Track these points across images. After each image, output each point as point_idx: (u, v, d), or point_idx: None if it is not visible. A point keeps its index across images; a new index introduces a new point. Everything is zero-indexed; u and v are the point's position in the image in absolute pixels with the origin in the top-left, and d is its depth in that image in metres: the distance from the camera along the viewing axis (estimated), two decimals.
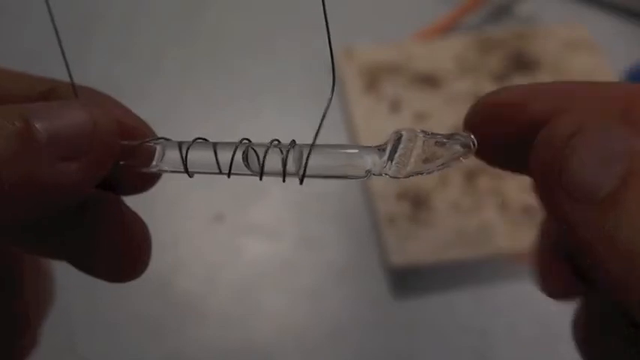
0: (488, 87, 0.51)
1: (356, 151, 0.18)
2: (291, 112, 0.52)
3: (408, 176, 0.17)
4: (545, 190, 0.18)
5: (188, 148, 0.18)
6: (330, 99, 0.18)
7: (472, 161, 0.47)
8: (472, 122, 0.19)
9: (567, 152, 0.16)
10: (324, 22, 0.16)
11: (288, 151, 0.18)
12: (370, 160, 0.18)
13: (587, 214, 0.16)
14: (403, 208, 0.44)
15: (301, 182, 0.18)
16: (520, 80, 0.52)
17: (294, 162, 0.18)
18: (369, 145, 0.18)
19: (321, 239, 0.46)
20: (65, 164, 0.16)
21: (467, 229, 0.43)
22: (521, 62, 0.53)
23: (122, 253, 0.19)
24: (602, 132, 0.16)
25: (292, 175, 0.18)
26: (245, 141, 0.18)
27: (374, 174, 0.18)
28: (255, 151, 0.18)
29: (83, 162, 0.16)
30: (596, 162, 0.16)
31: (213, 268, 0.45)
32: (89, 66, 0.55)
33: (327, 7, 0.16)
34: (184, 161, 0.18)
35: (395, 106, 0.50)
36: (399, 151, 0.17)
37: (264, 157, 0.18)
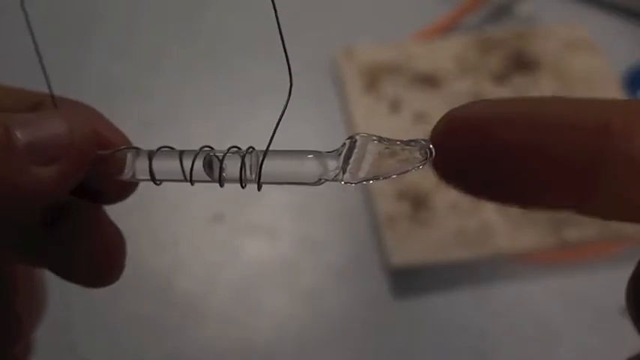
0: (488, 87, 0.51)
1: (310, 156, 0.18)
2: (290, 112, 0.52)
3: (360, 182, 0.17)
4: None
5: (151, 158, 0.19)
6: (287, 101, 0.18)
7: None
8: (436, 134, 0.18)
9: None
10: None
11: (244, 157, 0.18)
12: (323, 166, 0.18)
13: None
14: (403, 208, 0.44)
15: (259, 189, 0.18)
16: (520, 80, 0.52)
17: (252, 168, 0.18)
18: (325, 150, 0.18)
19: (321, 239, 0.46)
20: (41, 169, 0.17)
21: (467, 229, 0.43)
22: (521, 62, 0.53)
23: (100, 259, 0.20)
24: None
25: (250, 181, 0.18)
26: (206, 148, 0.19)
27: (327, 180, 0.18)
28: (217, 158, 0.18)
29: (58, 168, 0.18)
30: None
31: (213, 268, 0.45)
32: (89, 66, 0.55)
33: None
34: (151, 170, 0.19)
35: (395, 106, 0.50)
36: (353, 157, 0.17)
37: (221, 163, 0.18)
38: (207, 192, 0.47)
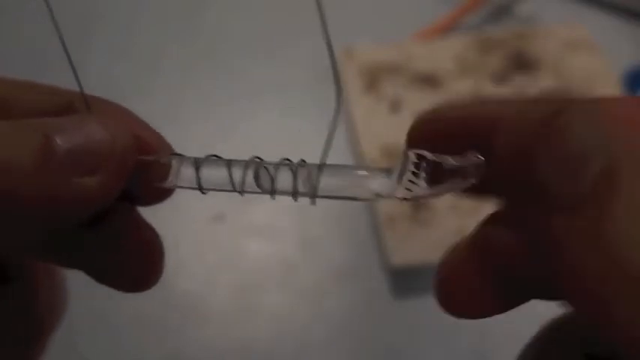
0: (488, 87, 0.51)
1: (365, 173, 0.18)
2: (291, 111, 0.52)
3: (415, 199, 0.17)
4: (514, 202, 0.16)
5: (199, 167, 0.18)
6: (336, 116, 0.18)
7: None
8: (413, 137, 0.19)
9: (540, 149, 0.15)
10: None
11: (296, 171, 0.18)
12: (378, 183, 0.18)
13: (572, 224, 0.14)
14: (403, 208, 0.44)
15: (313, 203, 0.18)
16: (520, 80, 0.52)
17: (304, 182, 0.18)
18: (380, 167, 0.18)
19: (321, 239, 0.46)
20: (83, 179, 0.16)
21: (467, 229, 0.43)
22: (521, 62, 0.53)
23: (137, 264, 0.20)
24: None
25: (303, 194, 0.18)
26: (256, 159, 0.18)
27: (382, 196, 0.18)
28: (267, 170, 0.18)
29: (100, 177, 0.17)
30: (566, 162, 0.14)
31: (213, 268, 0.45)
32: (89, 66, 0.55)
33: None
34: (198, 179, 0.19)
35: (395, 106, 0.50)
36: (407, 173, 0.17)
37: (274, 176, 0.18)
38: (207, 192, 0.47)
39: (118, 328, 0.42)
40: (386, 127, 0.48)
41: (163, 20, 0.59)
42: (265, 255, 0.45)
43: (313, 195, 0.18)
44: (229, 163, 0.19)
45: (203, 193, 0.19)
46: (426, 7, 0.58)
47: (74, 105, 0.19)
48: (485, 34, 0.55)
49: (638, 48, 0.56)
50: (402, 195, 0.17)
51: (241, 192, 0.18)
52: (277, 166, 0.18)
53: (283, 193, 0.18)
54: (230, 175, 0.19)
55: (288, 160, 0.18)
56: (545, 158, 0.15)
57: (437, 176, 0.17)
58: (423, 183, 0.17)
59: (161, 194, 0.21)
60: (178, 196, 0.47)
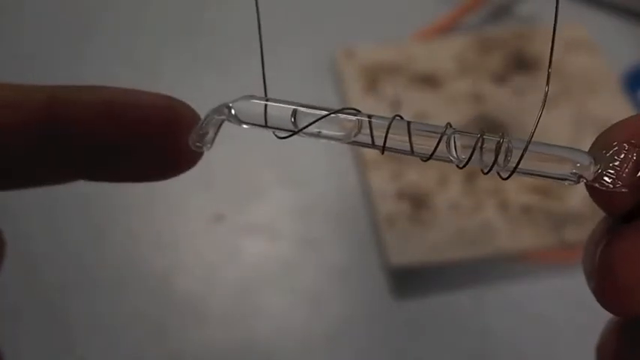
0: (488, 87, 0.51)
1: (569, 153, 0.17)
2: None
3: (621, 189, 0.16)
4: None
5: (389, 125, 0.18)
6: None
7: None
8: (627, 128, 0.17)
9: None
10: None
11: (501, 142, 0.17)
12: (583, 164, 0.17)
13: None
14: (403, 208, 0.44)
15: (507, 178, 0.17)
16: (520, 80, 0.52)
17: (502, 155, 0.17)
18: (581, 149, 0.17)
19: (321, 239, 0.46)
20: None
21: (467, 229, 0.43)
22: (521, 62, 0.53)
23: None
24: None
25: (500, 168, 0.17)
26: (450, 127, 0.17)
27: (587, 180, 0.17)
28: (453, 140, 0.17)
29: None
30: None
31: (213, 268, 0.45)
32: (89, 66, 0.55)
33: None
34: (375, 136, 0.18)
35: (395, 106, 0.50)
36: (617, 162, 0.16)
37: (475, 145, 0.17)
38: (207, 192, 0.47)
39: (116, 328, 0.42)
40: None
41: (163, 20, 0.59)
42: (265, 255, 0.45)
43: (515, 170, 0.17)
44: (409, 125, 0.18)
45: (382, 152, 0.18)
46: (426, 7, 0.58)
47: (58, 98, 0.19)
48: (486, 34, 0.55)
49: (638, 48, 0.56)
50: (606, 183, 0.16)
51: (429, 157, 0.17)
52: (477, 135, 0.17)
53: (475, 163, 0.17)
54: (411, 140, 0.18)
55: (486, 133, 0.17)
56: None
57: (638, 169, 0.16)
58: (629, 174, 0.16)
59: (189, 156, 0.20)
60: (178, 196, 0.47)
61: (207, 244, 0.46)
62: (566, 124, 0.48)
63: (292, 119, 0.19)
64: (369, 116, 0.18)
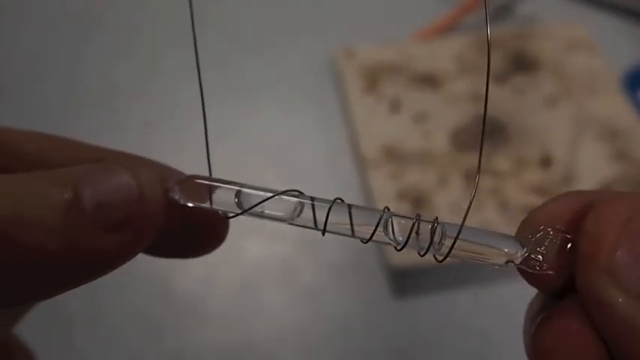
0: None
1: (499, 239, 0.18)
2: (291, 111, 0.52)
3: (547, 271, 0.18)
4: (589, 281, 0.16)
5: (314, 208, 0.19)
6: None
7: (472, 160, 0.47)
8: (549, 213, 0.19)
9: (622, 240, 0.16)
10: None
11: (435, 227, 0.18)
12: (510, 250, 0.18)
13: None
14: (403, 208, 0.44)
15: (441, 261, 0.18)
16: (520, 80, 0.52)
17: (437, 239, 0.18)
18: (508, 234, 0.19)
19: (320, 239, 0.45)
20: (110, 234, 0.16)
21: None
22: (521, 62, 0.53)
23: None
24: None
25: (434, 251, 0.18)
26: (386, 210, 0.19)
27: (515, 264, 0.18)
28: (390, 222, 0.18)
29: (127, 232, 0.16)
30: None
31: (213, 268, 0.45)
32: (89, 66, 0.55)
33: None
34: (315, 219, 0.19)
35: (395, 106, 0.50)
36: (543, 248, 0.18)
37: (411, 230, 0.18)
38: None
39: (117, 328, 0.42)
40: (386, 127, 0.48)
41: (163, 20, 0.59)
42: (265, 255, 0.45)
43: (448, 253, 0.18)
44: (350, 208, 0.19)
45: (323, 234, 0.19)
46: (426, 7, 0.58)
47: (105, 162, 0.19)
48: (485, 34, 0.55)
49: (638, 48, 0.56)
50: (531, 267, 0.18)
51: (369, 239, 0.19)
52: (412, 220, 0.18)
53: (411, 246, 0.18)
54: (351, 224, 0.19)
55: (420, 215, 0.18)
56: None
57: (562, 252, 0.18)
58: (552, 259, 0.18)
59: (214, 238, 0.21)
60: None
61: None
62: (566, 124, 0.49)
63: (236, 200, 0.20)
64: (312, 198, 0.20)
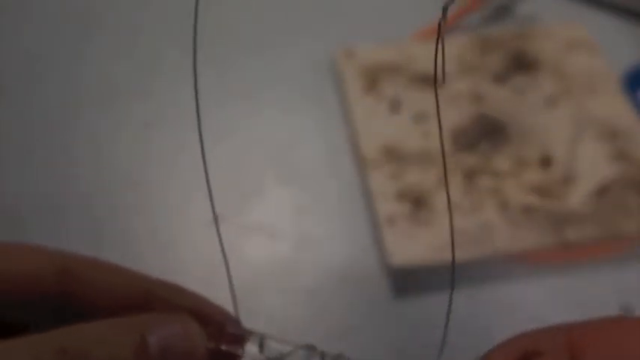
0: (488, 87, 0.51)
1: None
2: (291, 111, 0.52)
3: None
4: None
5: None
6: None
7: (472, 160, 0.47)
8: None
9: None
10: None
11: None
12: None
13: None
14: (403, 208, 0.44)
15: None
16: (520, 80, 0.52)
17: None
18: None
19: (321, 239, 0.46)
20: None
21: (467, 229, 0.43)
22: (521, 62, 0.53)
23: None
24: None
25: None
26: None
27: None
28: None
29: None
30: None
31: (212, 268, 0.45)
32: (89, 66, 0.55)
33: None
34: None
35: (395, 106, 0.50)
36: None
37: None
38: (207, 192, 0.47)
39: None
40: (386, 127, 0.48)
41: (163, 20, 0.59)
42: (265, 255, 0.45)
43: None
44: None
45: None
46: (426, 7, 0.58)
47: (154, 293, 0.23)
48: (485, 34, 0.55)
49: (638, 48, 0.56)
50: None
51: None
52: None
53: None
54: None
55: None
56: None
57: None
58: None
59: None
60: (177, 196, 0.47)
61: (207, 244, 0.46)
62: (566, 124, 0.48)
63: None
64: (323, 354, 0.22)
